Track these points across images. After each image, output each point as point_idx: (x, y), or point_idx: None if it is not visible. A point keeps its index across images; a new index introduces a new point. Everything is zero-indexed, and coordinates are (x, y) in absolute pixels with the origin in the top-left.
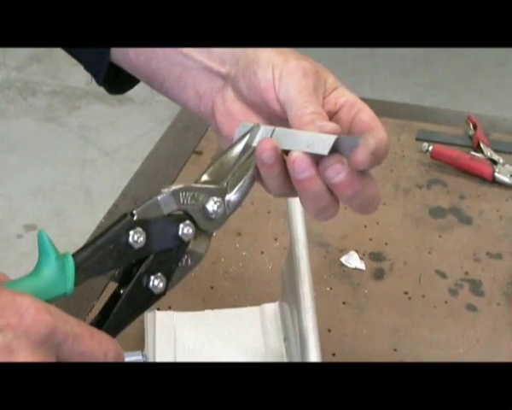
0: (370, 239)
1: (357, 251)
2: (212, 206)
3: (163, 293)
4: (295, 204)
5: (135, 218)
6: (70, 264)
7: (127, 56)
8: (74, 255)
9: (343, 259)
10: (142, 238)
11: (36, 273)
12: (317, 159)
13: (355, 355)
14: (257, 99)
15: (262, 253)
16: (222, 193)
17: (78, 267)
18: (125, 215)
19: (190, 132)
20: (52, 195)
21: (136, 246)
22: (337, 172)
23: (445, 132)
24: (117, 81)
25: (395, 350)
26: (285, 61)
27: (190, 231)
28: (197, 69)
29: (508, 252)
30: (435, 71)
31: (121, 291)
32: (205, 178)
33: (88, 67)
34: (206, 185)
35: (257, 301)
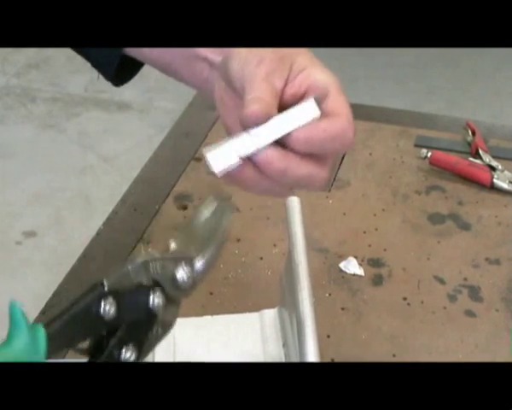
0: (369, 245)
1: (355, 257)
2: (181, 275)
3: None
4: (294, 210)
5: (105, 288)
6: (41, 336)
7: (141, 51)
8: (45, 326)
9: (342, 265)
10: (113, 309)
11: (7, 344)
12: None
13: (354, 361)
14: (231, 85)
15: (261, 259)
16: (190, 261)
17: (49, 339)
18: (95, 285)
19: (190, 139)
20: (51, 201)
21: (108, 317)
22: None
23: (444, 139)
24: (123, 72)
25: (394, 356)
26: (250, 51)
27: (160, 302)
28: (201, 58)
29: (506, 258)
30: (433, 78)
31: None
32: (173, 246)
33: (97, 64)
34: (175, 255)
35: (256, 306)
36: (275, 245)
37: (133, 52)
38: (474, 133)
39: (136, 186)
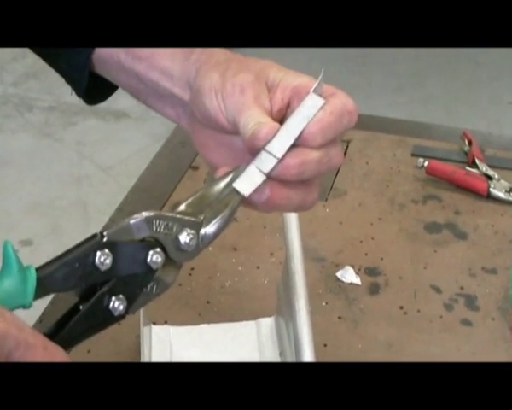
0: (366, 254)
1: (352, 266)
2: (184, 237)
3: (122, 316)
4: (291, 219)
5: (104, 239)
6: (32, 277)
7: (110, 75)
8: (38, 269)
9: (339, 274)
10: (108, 260)
11: None
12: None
13: None
14: (212, 124)
15: (258, 268)
16: (197, 226)
17: (39, 282)
18: (94, 235)
19: (186, 148)
20: (48, 210)
21: (102, 268)
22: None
23: (441, 148)
24: (96, 91)
25: None
26: (223, 83)
27: (159, 259)
28: (167, 95)
29: (503, 267)
30: (430, 87)
31: (80, 307)
32: (182, 208)
33: (69, 79)
34: (181, 216)
35: (253, 315)
36: (272, 254)
37: (103, 72)
38: (470, 143)
39: (133, 195)
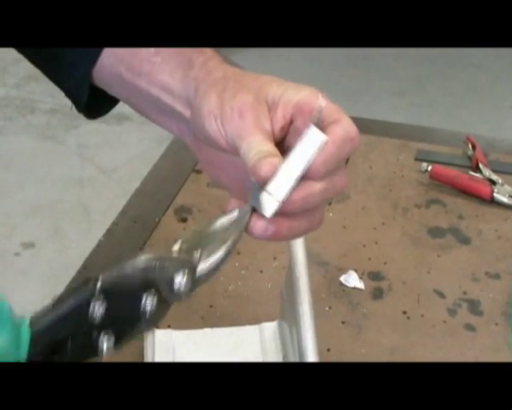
0: (369, 258)
1: (356, 270)
2: (179, 280)
3: (108, 351)
4: None
5: (98, 285)
6: (25, 334)
7: (112, 89)
8: (32, 321)
9: (342, 278)
10: (102, 309)
11: None
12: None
13: None
14: (214, 146)
15: (261, 272)
16: (192, 266)
17: (33, 338)
18: (88, 280)
19: (190, 151)
20: (50, 213)
21: (97, 317)
22: (262, 231)
23: (444, 152)
24: (97, 105)
25: None
26: (222, 106)
27: (154, 303)
28: (169, 111)
29: (506, 272)
30: (433, 91)
31: (68, 341)
32: (179, 245)
33: (69, 93)
34: (177, 256)
35: (256, 319)
36: (275, 258)
37: (104, 86)
38: (474, 147)
39: (137, 198)
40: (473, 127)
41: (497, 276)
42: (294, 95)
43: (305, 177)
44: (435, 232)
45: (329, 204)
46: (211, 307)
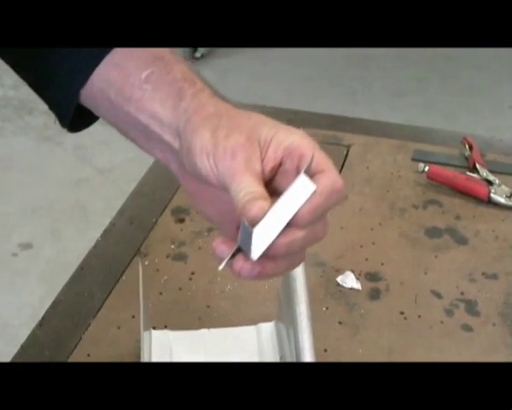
0: (366, 259)
1: (353, 271)
2: None
3: None
4: None
5: None
6: None
7: (98, 110)
8: None
9: (339, 279)
10: None
11: None
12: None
13: None
14: (203, 181)
15: None
16: None
17: None
18: None
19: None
20: (47, 213)
21: None
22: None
23: (441, 153)
24: (79, 121)
25: None
26: (215, 144)
27: None
28: (157, 139)
29: (503, 272)
30: (430, 92)
31: None
32: None
33: (55, 110)
34: None
35: (253, 320)
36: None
37: (90, 106)
38: (471, 148)
39: (134, 199)
40: (471, 128)
41: (494, 276)
42: (285, 138)
43: (290, 223)
44: (432, 233)
45: None
46: (208, 307)
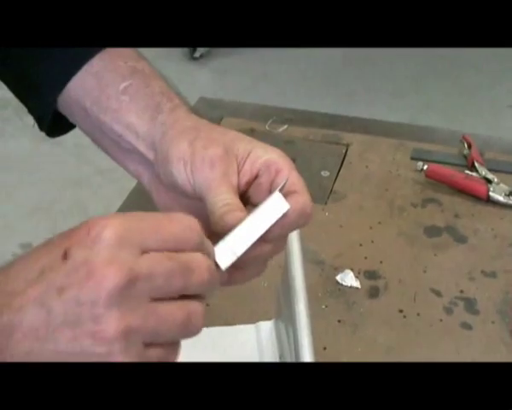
0: (365, 257)
1: (352, 269)
2: None
3: None
4: None
5: None
6: None
7: (73, 118)
8: None
9: (338, 277)
10: None
11: None
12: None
13: None
14: (178, 191)
15: None
16: None
17: None
18: None
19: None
20: (47, 214)
21: None
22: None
23: (440, 151)
24: (58, 127)
25: None
26: (193, 154)
27: None
28: (130, 151)
29: (502, 270)
30: (429, 91)
31: None
32: None
33: (34, 115)
34: None
35: (252, 318)
36: (271, 257)
37: (67, 114)
38: (470, 146)
39: (133, 198)
40: (470, 126)
41: (493, 274)
42: (263, 153)
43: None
44: (431, 231)
45: (325, 203)
46: (207, 305)
